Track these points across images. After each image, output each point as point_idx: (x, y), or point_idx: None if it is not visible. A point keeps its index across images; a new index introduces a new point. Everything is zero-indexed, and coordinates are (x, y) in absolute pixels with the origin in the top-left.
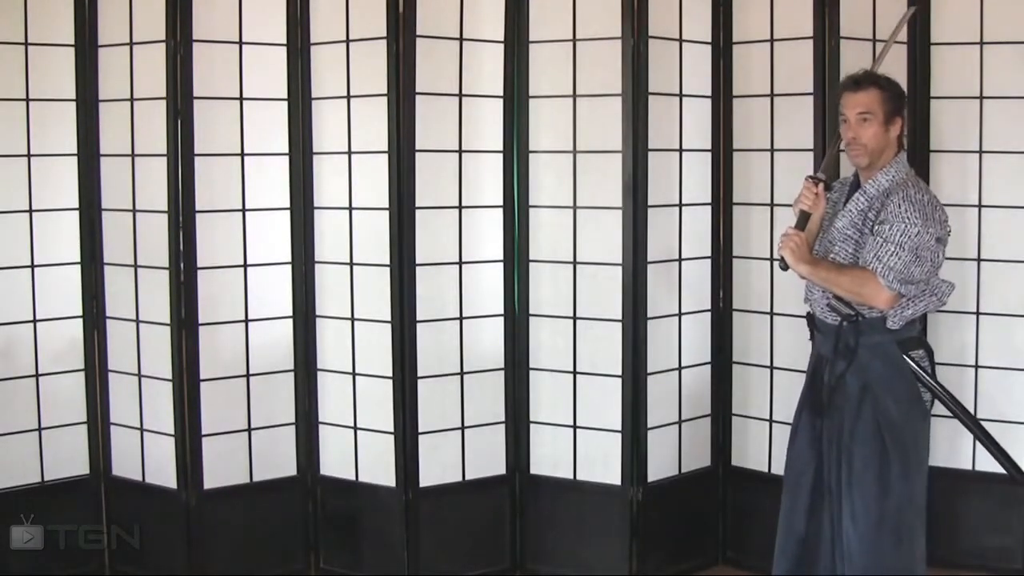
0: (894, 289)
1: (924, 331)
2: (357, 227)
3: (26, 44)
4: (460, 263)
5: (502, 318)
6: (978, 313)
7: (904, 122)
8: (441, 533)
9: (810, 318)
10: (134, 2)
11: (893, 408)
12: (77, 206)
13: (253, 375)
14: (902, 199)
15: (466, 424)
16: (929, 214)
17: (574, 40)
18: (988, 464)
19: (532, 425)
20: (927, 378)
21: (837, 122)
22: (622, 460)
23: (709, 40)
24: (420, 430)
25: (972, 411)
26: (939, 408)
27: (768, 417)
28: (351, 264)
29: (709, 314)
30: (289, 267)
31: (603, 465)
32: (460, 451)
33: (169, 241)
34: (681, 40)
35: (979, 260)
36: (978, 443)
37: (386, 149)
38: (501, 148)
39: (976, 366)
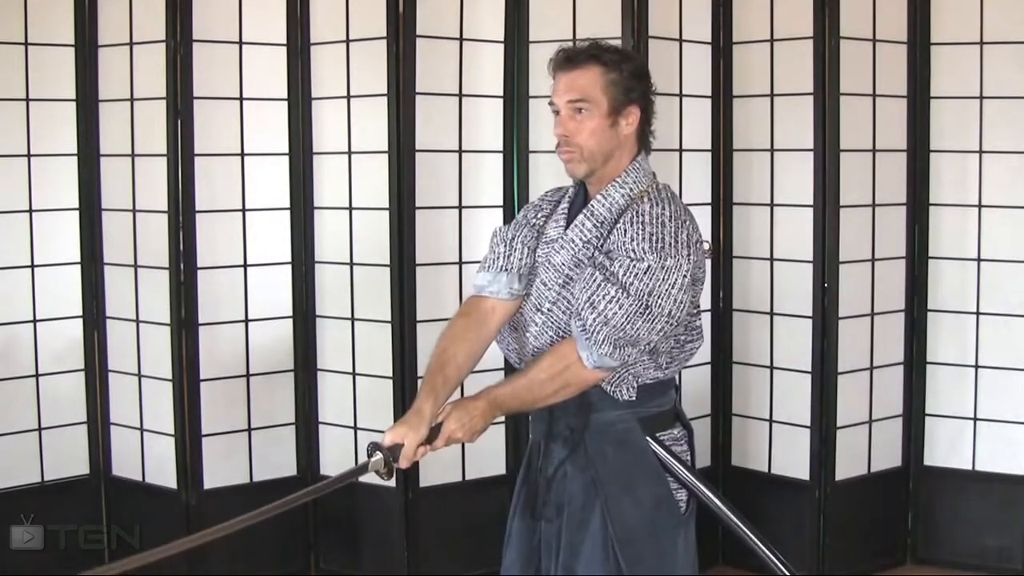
0: (602, 363)
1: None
2: (357, 227)
3: (26, 44)
4: (460, 263)
5: None
6: (978, 313)
7: (646, 113)
8: (441, 533)
9: None
10: (134, 2)
11: (632, 513)
12: (77, 206)
13: (253, 375)
14: (630, 221)
15: None
16: (670, 240)
17: (574, 40)
18: (988, 464)
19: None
20: (681, 471)
21: (838, 122)
22: None
23: (709, 40)
24: None
25: (972, 411)
26: (938, 408)
27: (768, 417)
28: (351, 264)
29: (709, 314)
30: (289, 267)
31: None
32: (460, 451)
33: (169, 241)
34: (681, 40)
35: (979, 260)
36: (977, 443)
37: (386, 149)
38: (501, 148)
39: (976, 366)
